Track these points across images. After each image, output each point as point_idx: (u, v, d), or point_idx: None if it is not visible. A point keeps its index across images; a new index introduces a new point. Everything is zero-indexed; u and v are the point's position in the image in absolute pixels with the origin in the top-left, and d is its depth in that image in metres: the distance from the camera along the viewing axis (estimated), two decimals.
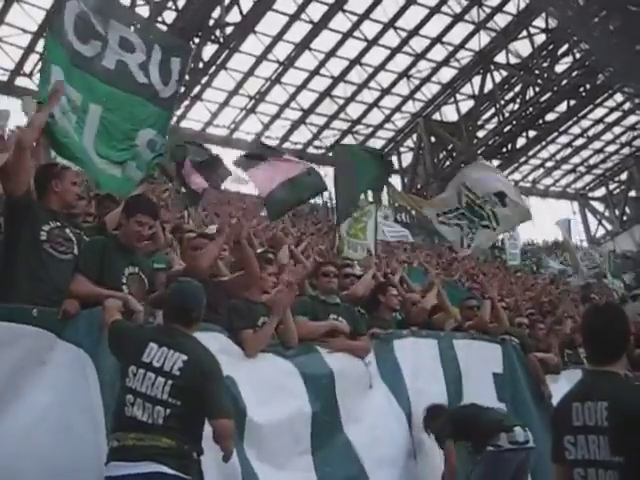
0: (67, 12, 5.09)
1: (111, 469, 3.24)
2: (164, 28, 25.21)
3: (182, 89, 6.11)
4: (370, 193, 10.61)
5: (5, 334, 3.70)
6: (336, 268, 5.91)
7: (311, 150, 34.87)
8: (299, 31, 28.44)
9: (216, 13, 25.64)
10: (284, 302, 4.77)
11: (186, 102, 29.56)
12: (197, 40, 26.12)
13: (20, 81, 26.55)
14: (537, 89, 30.55)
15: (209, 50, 27.08)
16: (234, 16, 26.13)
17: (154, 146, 5.64)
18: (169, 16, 25.40)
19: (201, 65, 27.26)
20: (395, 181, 35.51)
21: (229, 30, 26.51)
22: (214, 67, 28.44)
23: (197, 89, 29.48)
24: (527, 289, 16.15)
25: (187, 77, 27.28)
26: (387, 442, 5.20)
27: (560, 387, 6.55)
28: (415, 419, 5.43)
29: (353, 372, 5.15)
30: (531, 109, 31.29)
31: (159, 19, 25.13)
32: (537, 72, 30.44)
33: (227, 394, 4.10)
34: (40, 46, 25.61)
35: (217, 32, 26.39)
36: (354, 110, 33.39)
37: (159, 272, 5.22)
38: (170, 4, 25.18)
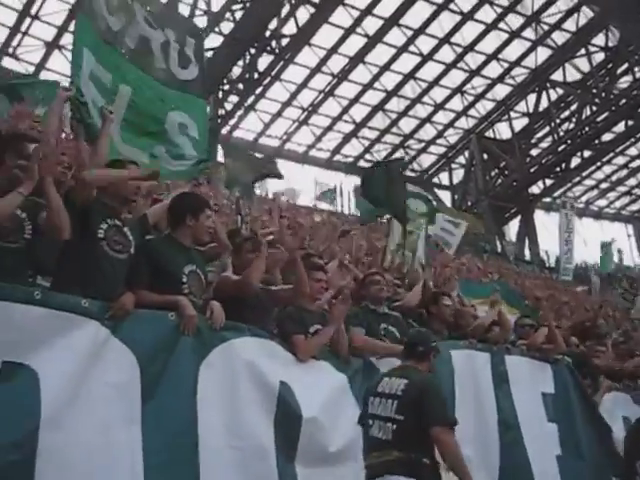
0: None
1: None
2: (221, 38, 25.64)
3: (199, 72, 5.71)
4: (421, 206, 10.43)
5: (58, 322, 3.61)
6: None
7: (362, 163, 34.89)
8: (354, 44, 28.59)
9: (273, 24, 25.91)
10: (342, 313, 4.76)
11: (240, 112, 29.89)
12: (253, 50, 26.42)
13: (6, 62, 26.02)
14: (594, 108, 30.02)
15: (264, 61, 27.39)
16: (290, 28, 26.41)
17: (185, 130, 5.47)
18: (226, 27, 25.76)
19: (256, 75, 27.52)
20: (445, 197, 35.32)
21: (285, 41, 26.74)
22: (269, 78, 28.70)
23: (251, 99, 29.77)
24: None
25: (241, 87, 27.66)
26: None
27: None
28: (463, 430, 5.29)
29: None
30: (587, 128, 30.71)
31: (216, 29, 25.52)
32: (594, 91, 29.94)
33: (282, 400, 4.13)
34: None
35: (273, 43, 26.64)
36: (406, 124, 33.38)
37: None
38: (228, 15, 25.52)
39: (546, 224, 33.77)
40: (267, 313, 4.79)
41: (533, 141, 33.17)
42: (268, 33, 26.23)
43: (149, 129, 5.18)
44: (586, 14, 28.16)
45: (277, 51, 26.91)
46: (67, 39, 25.64)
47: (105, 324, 3.74)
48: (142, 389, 3.72)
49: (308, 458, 4.18)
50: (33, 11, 24.43)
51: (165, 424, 3.73)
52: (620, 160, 35.57)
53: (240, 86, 27.78)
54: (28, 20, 24.74)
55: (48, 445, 3.35)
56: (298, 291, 4.86)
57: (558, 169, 32.90)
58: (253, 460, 3.93)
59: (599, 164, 34.89)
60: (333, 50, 28.60)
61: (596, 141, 31.49)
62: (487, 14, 28.01)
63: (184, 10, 23.41)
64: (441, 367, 5.47)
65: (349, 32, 27.82)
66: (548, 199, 36.06)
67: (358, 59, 29.23)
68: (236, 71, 27.34)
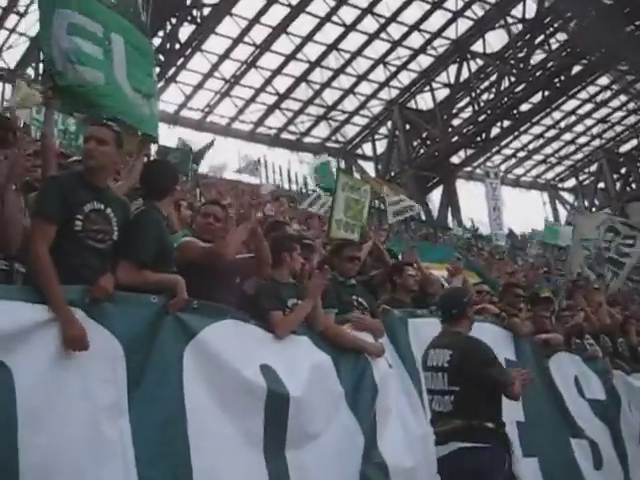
0: None
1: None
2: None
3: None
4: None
5: (30, 314, 3.28)
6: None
7: (285, 135, 34.65)
8: (276, 14, 28.06)
9: None
10: (320, 287, 4.60)
11: (161, 84, 29.03)
12: (174, 20, 25.68)
13: None
14: (512, 79, 30.66)
15: (185, 31, 26.65)
16: None
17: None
18: None
19: (177, 46, 26.78)
20: (369, 168, 35.56)
21: (206, 11, 26.07)
22: (190, 49, 27.97)
23: (172, 71, 28.97)
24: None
25: (162, 58, 26.81)
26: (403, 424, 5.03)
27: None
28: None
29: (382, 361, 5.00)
30: (506, 99, 31.37)
31: None
32: (512, 62, 30.57)
33: (269, 383, 3.96)
34: None
35: (194, 12, 25.94)
36: (330, 96, 33.24)
37: None
38: None
39: (473, 193, 34.72)
40: (228, 281, 4.51)
41: (454, 111, 33.61)
42: (189, 2, 25.53)
43: (146, 80, 4.97)
44: None
45: (198, 21, 26.23)
46: None
47: (85, 310, 3.42)
48: (128, 378, 3.47)
49: (295, 440, 4.05)
50: None
51: (153, 414, 3.50)
52: (537, 130, 36.63)
53: (161, 57, 26.92)
54: None
55: (29, 445, 3.08)
56: (259, 260, 4.62)
57: (478, 139, 33.56)
58: (243, 446, 3.79)
59: (517, 134, 35.82)
60: (255, 20, 28.04)
61: (514, 111, 32.22)
62: None
63: None
64: (399, 337, 5.48)
65: (271, 2, 27.28)
66: (469, 168, 36.86)
67: (280, 29, 28.74)
68: (156, 42, 26.47)
